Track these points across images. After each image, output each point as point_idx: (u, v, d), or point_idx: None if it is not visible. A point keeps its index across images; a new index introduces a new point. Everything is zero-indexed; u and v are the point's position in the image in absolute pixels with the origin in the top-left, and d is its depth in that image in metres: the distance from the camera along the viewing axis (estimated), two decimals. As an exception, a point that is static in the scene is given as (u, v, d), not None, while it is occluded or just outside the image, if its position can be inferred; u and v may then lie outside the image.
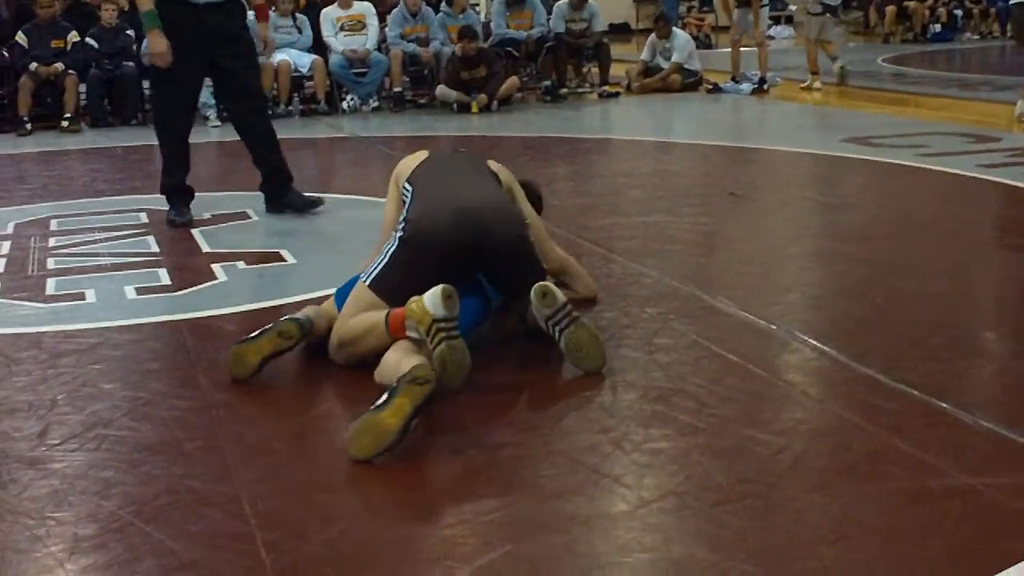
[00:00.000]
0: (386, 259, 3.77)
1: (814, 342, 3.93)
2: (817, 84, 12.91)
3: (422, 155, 4.17)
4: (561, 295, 3.71)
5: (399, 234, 3.79)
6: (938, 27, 21.19)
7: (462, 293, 3.55)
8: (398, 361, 3.36)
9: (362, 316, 3.71)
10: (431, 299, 3.40)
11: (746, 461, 3.02)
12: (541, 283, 3.72)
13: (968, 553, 2.50)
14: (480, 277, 3.93)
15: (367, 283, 3.77)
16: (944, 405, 3.31)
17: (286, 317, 3.79)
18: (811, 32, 13.10)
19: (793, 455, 3.05)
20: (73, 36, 11.38)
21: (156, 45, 6.09)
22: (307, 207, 6.49)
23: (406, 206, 3.91)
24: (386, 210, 4.26)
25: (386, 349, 3.51)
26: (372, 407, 3.08)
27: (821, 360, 3.80)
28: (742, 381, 3.65)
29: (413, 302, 3.44)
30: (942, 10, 21.41)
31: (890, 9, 20.88)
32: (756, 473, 2.94)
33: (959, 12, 21.93)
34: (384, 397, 3.11)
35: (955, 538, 2.56)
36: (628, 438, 3.20)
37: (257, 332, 3.73)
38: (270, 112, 11.36)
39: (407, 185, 4.02)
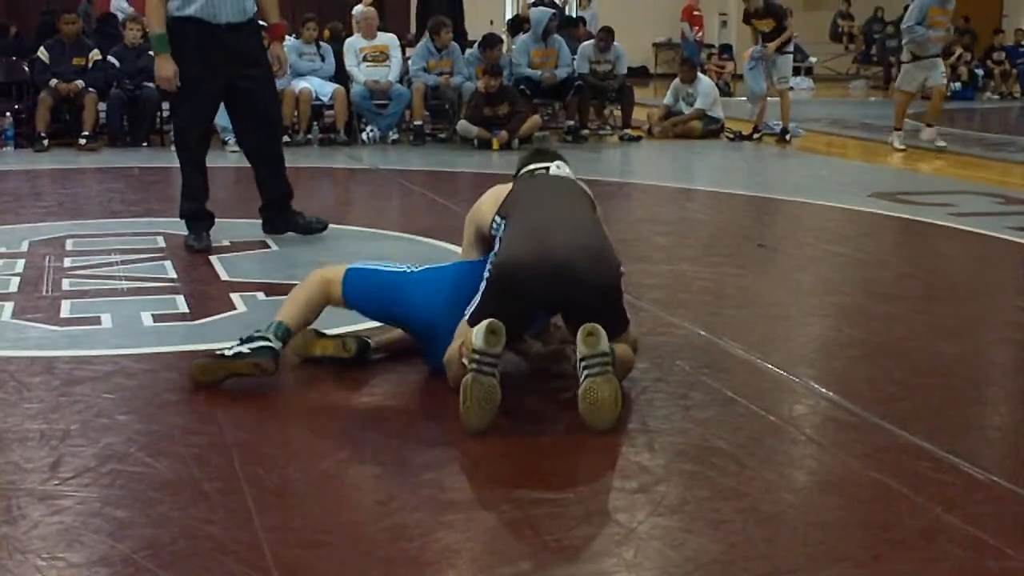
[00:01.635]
0: (479, 297, 3.75)
1: (853, 405, 3.79)
2: (899, 144, 11.85)
3: (500, 192, 4.10)
4: (606, 344, 3.56)
5: (487, 275, 3.77)
6: (958, 85, 21.13)
7: None
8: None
9: (453, 346, 3.78)
10: (477, 331, 3.49)
11: (792, 530, 2.87)
12: (590, 324, 3.57)
13: (1035, 644, 2.35)
14: None
15: (467, 318, 3.77)
16: (995, 479, 3.17)
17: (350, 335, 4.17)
18: (910, 83, 11.77)
19: (840, 526, 2.91)
20: (95, 54, 11.31)
21: (163, 69, 6.03)
22: (311, 230, 6.49)
23: (497, 242, 3.88)
24: (463, 253, 4.29)
25: None
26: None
27: (863, 424, 3.65)
28: (781, 443, 3.52)
29: (470, 333, 3.52)
30: (963, 69, 21.35)
31: (910, 66, 20.79)
32: (802, 544, 2.79)
33: (980, 71, 21.89)
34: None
35: (1020, 627, 2.41)
36: (667, 499, 3.05)
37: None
38: (289, 140, 11.40)
39: (498, 219, 3.97)
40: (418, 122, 11.97)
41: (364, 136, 11.89)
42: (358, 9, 12.67)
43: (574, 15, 18.70)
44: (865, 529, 2.90)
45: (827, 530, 2.88)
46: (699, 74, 13.76)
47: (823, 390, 3.95)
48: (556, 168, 4.30)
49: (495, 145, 11.31)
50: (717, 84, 15.16)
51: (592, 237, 3.86)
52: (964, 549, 2.75)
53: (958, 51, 21.45)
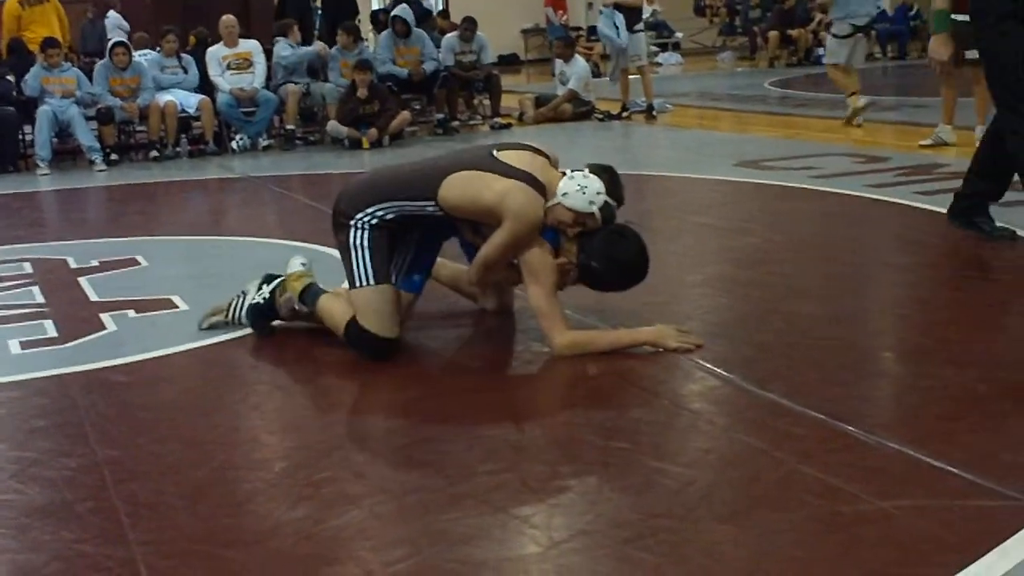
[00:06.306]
0: None
1: (717, 369, 3.91)
2: (861, 102, 11.13)
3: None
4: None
5: None
6: (822, 51, 21.54)
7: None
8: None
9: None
10: None
11: (656, 495, 2.97)
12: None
13: (884, 580, 2.47)
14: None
15: None
16: (850, 428, 3.30)
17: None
18: (840, 56, 11.21)
19: (703, 486, 3.01)
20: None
21: (937, 48, 5.79)
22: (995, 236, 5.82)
23: None
24: None
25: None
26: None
27: (725, 388, 3.77)
28: (648, 412, 3.62)
29: None
30: (824, 34, 21.76)
31: (773, 34, 21.24)
32: (667, 507, 2.89)
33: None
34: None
35: (872, 564, 2.52)
36: (535, 476, 3.13)
37: None
38: (157, 154, 11.29)
39: None
40: (290, 126, 11.94)
41: (234, 145, 11.82)
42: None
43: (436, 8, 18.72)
44: (727, 486, 3.01)
45: (689, 492, 2.98)
46: (576, 55, 13.93)
47: (687, 358, 4.06)
48: (582, 176, 4.78)
49: (365, 143, 11.31)
50: (584, 66, 15.30)
51: (362, 185, 4.39)
52: (819, 497, 2.87)
53: (818, 16, 21.90)
